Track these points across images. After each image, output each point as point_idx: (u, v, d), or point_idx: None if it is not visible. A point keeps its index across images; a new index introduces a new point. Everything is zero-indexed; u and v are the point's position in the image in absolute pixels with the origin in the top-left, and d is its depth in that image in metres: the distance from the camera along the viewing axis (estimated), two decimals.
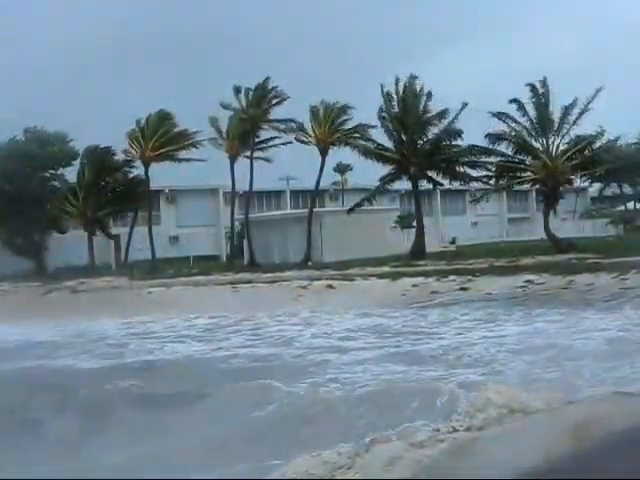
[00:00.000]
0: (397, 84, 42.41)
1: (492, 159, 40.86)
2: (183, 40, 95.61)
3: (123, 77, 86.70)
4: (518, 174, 41.06)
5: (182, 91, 78.29)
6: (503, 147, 40.40)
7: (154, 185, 49.39)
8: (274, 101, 45.38)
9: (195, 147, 47.32)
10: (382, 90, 42.37)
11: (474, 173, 42.68)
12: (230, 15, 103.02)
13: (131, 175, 49.92)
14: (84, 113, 68.99)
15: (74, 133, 48.78)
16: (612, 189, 58.33)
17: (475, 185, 46.79)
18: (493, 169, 41.63)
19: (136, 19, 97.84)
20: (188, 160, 47.51)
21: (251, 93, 45.25)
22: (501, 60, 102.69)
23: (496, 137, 39.79)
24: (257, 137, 46.12)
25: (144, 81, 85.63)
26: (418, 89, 42.19)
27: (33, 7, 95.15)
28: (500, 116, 39.26)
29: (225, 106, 45.42)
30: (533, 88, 39.15)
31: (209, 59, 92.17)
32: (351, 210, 43.47)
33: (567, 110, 38.95)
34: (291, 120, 45.43)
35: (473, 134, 41.45)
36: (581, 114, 38.91)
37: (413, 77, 42.31)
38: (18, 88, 70.18)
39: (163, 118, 46.92)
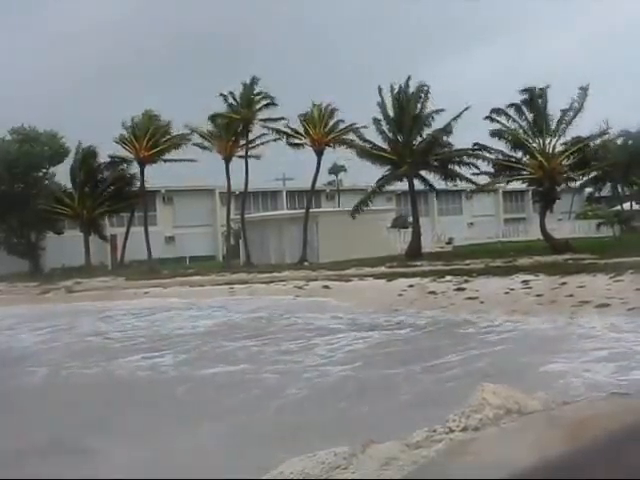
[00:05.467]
0: (393, 87, 42.51)
1: (488, 155, 40.96)
2: (180, 41, 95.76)
3: (121, 78, 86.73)
4: (514, 173, 41.06)
5: (180, 92, 78.37)
6: (501, 146, 40.61)
7: (150, 185, 49.42)
8: (263, 102, 45.33)
9: (185, 144, 47.29)
10: (392, 91, 42.45)
11: (470, 172, 42.85)
12: (228, 16, 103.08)
13: (127, 175, 49.92)
14: (81, 115, 68.98)
15: (70, 135, 48.83)
16: (608, 189, 58.36)
17: (471, 186, 46.65)
18: (489, 169, 41.74)
19: (134, 20, 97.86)
20: (181, 160, 47.47)
21: (241, 94, 45.17)
22: (504, 62, 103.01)
23: (494, 134, 39.89)
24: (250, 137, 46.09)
25: (141, 82, 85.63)
26: (415, 90, 42.28)
27: (32, 8, 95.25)
28: (497, 114, 39.41)
29: (215, 115, 45.24)
30: (531, 89, 39.25)
31: (205, 59, 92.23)
32: (355, 212, 42.98)
33: (564, 112, 39.11)
34: (283, 118, 45.44)
35: (475, 136, 41.50)
36: (575, 115, 39.03)
37: (409, 79, 42.49)
38: (14, 89, 70.15)
39: (151, 116, 46.95)
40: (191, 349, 19.82)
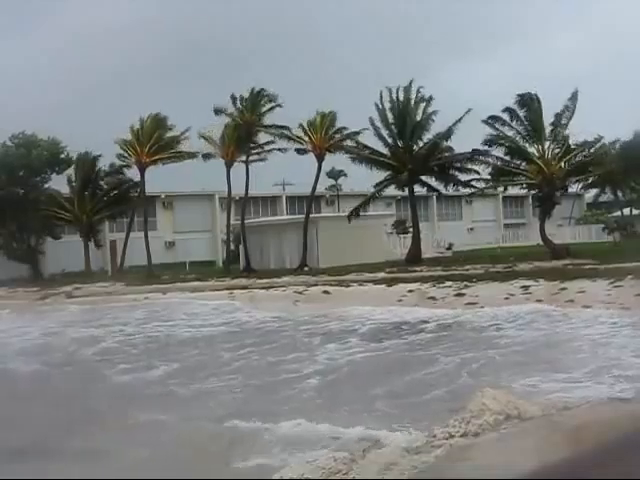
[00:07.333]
0: (391, 91, 42.60)
1: (487, 159, 40.97)
2: (180, 45, 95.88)
3: (120, 80, 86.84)
4: (513, 178, 41.03)
5: (178, 95, 78.43)
6: (499, 152, 40.63)
7: (150, 191, 49.41)
8: (269, 106, 45.42)
9: (190, 156, 47.36)
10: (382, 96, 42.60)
11: (469, 178, 42.87)
12: (226, 18, 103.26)
13: (126, 180, 49.99)
14: (81, 117, 69.08)
15: (70, 139, 48.88)
16: (607, 195, 58.42)
17: (470, 190, 46.49)
18: (488, 174, 41.78)
19: (134, 21, 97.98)
20: (182, 158, 47.49)
21: (246, 99, 45.24)
22: (509, 65, 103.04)
23: (490, 142, 39.96)
24: (253, 143, 46.08)
25: (140, 84, 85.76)
26: (415, 95, 42.41)
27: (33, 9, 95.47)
28: (494, 121, 39.49)
29: (218, 110, 45.27)
30: (528, 94, 39.28)
31: (205, 64, 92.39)
32: (350, 215, 43.23)
33: (559, 116, 39.14)
34: (286, 127, 45.43)
35: (478, 141, 41.42)
36: (570, 119, 39.07)
37: (410, 84, 42.60)
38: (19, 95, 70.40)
39: (157, 122, 47.04)
40: (183, 359, 19.46)
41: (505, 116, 39.42)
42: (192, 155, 47.02)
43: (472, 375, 14.44)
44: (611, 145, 43.31)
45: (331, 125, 45.52)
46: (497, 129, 39.69)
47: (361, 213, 43.83)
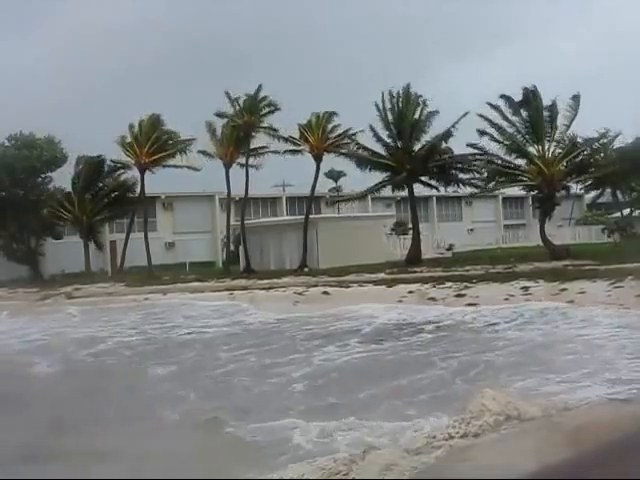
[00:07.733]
0: (392, 93, 42.60)
1: (487, 158, 40.90)
2: (181, 45, 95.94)
3: (120, 81, 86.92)
4: (513, 178, 40.95)
5: (178, 97, 78.50)
6: (496, 149, 40.61)
7: (150, 191, 49.37)
8: (267, 109, 45.33)
9: (185, 152, 47.41)
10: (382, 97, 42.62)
11: (469, 177, 42.86)
12: (228, 19, 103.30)
13: (126, 181, 49.96)
14: (81, 117, 69.11)
15: (70, 139, 48.82)
16: (607, 196, 58.46)
17: (470, 190, 46.35)
18: (486, 173, 41.75)
19: (134, 22, 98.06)
20: (183, 167, 47.59)
21: (245, 100, 45.19)
22: (509, 68, 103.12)
23: (482, 133, 39.86)
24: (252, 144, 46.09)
25: (141, 85, 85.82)
26: (413, 96, 42.40)
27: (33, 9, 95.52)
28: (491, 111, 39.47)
29: (220, 115, 45.32)
30: (530, 93, 39.23)
31: (205, 65, 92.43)
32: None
33: (556, 114, 39.12)
34: (276, 129, 45.45)
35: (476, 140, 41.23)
36: (572, 120, 39.05)
37: (409, 85, 42.65)
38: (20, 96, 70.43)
39: (155, 123, 47.05)
40: (181, 361, 19.47)
41: (504, 107, 39.35)
42: (194, 167, 47.19)
43: (469, 380, 14.45)
44: (610, 146, 43.34)
45: (327, 124, 45.51)
46: (496, 124, 39.57)
47: (361, 214, 43.83)
